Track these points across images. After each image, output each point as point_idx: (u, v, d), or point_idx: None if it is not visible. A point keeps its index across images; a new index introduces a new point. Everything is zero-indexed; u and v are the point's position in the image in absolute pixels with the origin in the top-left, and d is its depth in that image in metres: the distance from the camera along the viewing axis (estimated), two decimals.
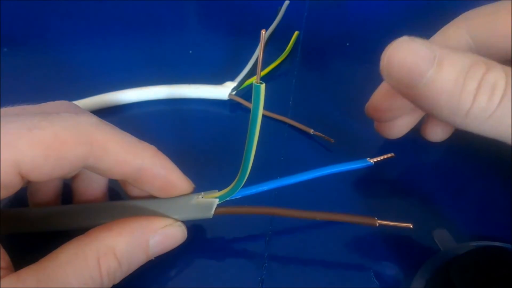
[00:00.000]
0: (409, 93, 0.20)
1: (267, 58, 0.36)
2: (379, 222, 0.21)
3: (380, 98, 0.25)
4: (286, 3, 0.39)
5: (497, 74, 0.18)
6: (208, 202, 0.21)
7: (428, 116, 0.27)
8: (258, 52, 0.17)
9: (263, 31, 0.16)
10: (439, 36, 0.23)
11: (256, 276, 0.22)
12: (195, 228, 0.24)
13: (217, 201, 0.21)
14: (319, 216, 0.22)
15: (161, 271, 0.23)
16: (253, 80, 0.32)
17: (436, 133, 0.28)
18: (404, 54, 0.19)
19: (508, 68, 0.18)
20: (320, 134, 0.29)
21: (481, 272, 0.19)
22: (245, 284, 0.22)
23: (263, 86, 0.17)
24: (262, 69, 0.35)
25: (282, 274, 0.22)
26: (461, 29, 0.22)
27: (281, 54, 0.36)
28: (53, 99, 0.24)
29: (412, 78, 0.19)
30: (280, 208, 0.23)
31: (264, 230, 0.24)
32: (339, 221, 0.23)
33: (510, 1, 0.21)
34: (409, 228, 0.21)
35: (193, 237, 0.24)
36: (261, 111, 0.18)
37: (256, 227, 0.24)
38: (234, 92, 0.33)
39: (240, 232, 0.24)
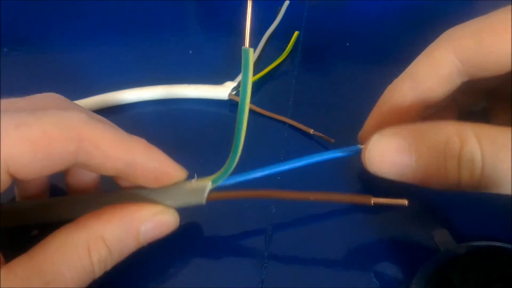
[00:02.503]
0: (402, 180, 0.20)
1: (267, 58, 0.36)
2: (374, 200, 0.21)
3: (371, 129, 0.25)
4: (286, 3, 0.39)
5: (472, 146, 0.18)
6: (201, 186, 0.21)
7: (491, 107, 0.26)
8: (247, 17, 0.17)
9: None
10: (424, 59, 0.23)
11: (256, 276, 0.22)
12: (195, 228, 0.24)
13: (209, 184, 0.21)
14: (313, 196, 0.22)
15: (160, 270, 0.23)
16: (255, 79, 0.32)
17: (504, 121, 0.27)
18: (381, 154, 0.20)
19: (483, 132, 0.18)
20: (320, 134, 0.29)
21: (481, 272, 0.19)
22: (245, 284, 0.22)
23: (251, 50, 0.17)
24: (262, 69, 0.35)
25: (282, 274, 0.22)
26: (447, 51, 0.21)
27: (281, 54, 0.36)
28: None
29: (398, 171, 0.20)
30: (274, 190, 0.22)
31: (264, 229, 0.24)
32: (333, 200, 0.22)
33: (492, 17, 0.21)
34: (404, 205, 0.21)
35: (193, 236, 0.24)
36: (251, 76, 0.18)
37: (256, 226, 0.24)
38: (234, 92, 0.33)
39: (240, 231, 0.24)
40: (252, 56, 0.17)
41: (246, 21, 0.17)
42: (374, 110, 0.25)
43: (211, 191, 0.21)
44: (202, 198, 0.21)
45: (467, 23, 0.22)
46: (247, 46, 0.17)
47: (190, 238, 0.23)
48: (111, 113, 0.32)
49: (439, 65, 0.22)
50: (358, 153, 0.23)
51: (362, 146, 0.23)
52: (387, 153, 0.20)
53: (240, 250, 0.24)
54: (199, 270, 0.23)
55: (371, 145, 0.21)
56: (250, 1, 0.16)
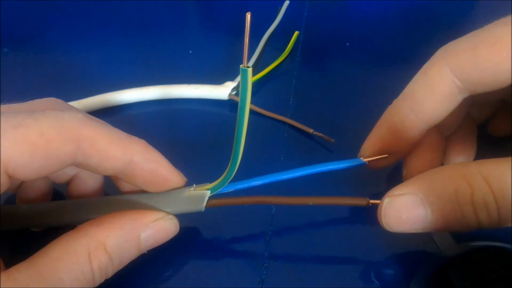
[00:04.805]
0: (425, 231, 0.20)
1: (267, 58, 0.36)
2: (371, 201, 0.21)
3: (371, 150, 0.25)
4: (286, 3, 0.39)
5: (482, 190, 0.18)
6: (200, 194, 0.21)
7: (494, 114, 0.26)
8: (245, 36, 0.17)
9: (248, 14, 0.16)
10: (421, 79, 0.22)
11: (256, 276, 0.22)
12: (194, 228, 0.24)
13: (208, 193, 0.21)
14: (311, 201, 0.22)
15: (160, 271, 0.23)
16: (255, 79, 0.32)
17: (503, 129, 0.27)
18: (397, 215, 0.20)
19: (490, 172, 0.18)
20: (320, 134, 0.29)
21: (481, 272, 0.19)
22: (245, 284, 0.22)
23: (250, 70, 0.17)
24: (262, 69, 0.35)
25: (282, 274, 0.22)
26: (443, 69, 0.21)
27: (281, 54, 0.36)
28: None
29: (418, 225, 0.20)
30: (273, 197, 0.23)
31: (264, 230, 0.24)
32: (332, 204, 0.23)
33: (487, 32, 0.20)
34: None
35: (193, 236, 0.24)
36: (249, 97, 0.17)
37: (256, 227, 0.24)
38: (234, 92, 0.33)
39: (240, 232, 0.24)
40: (250, 75, 0.17)
41: (244, 37, 0.16)
42: (374, 130, 0.25)
43: (210, 197, 0.21)
44: (201, 206, 0.21)
45: (461, 39, 0.21)
46: (245, 65, 0.16)
47: (190, 238, 0.23)
48: (111, 113, 0.32)
49: (437, 84, 0.21)
50: (359, 165, 0.24)
51: (363, 159, 0.24)
52: (402, 212, 0.20)
53: (240, 250, 0.24)
54: (199, 270, 0.23)
55: (385, 207, 0.20)
56: (249, 17, 0.16)
